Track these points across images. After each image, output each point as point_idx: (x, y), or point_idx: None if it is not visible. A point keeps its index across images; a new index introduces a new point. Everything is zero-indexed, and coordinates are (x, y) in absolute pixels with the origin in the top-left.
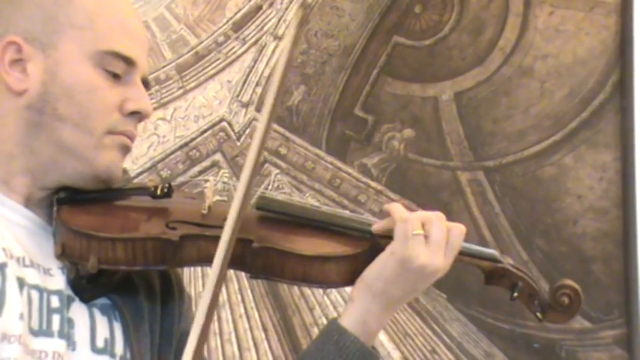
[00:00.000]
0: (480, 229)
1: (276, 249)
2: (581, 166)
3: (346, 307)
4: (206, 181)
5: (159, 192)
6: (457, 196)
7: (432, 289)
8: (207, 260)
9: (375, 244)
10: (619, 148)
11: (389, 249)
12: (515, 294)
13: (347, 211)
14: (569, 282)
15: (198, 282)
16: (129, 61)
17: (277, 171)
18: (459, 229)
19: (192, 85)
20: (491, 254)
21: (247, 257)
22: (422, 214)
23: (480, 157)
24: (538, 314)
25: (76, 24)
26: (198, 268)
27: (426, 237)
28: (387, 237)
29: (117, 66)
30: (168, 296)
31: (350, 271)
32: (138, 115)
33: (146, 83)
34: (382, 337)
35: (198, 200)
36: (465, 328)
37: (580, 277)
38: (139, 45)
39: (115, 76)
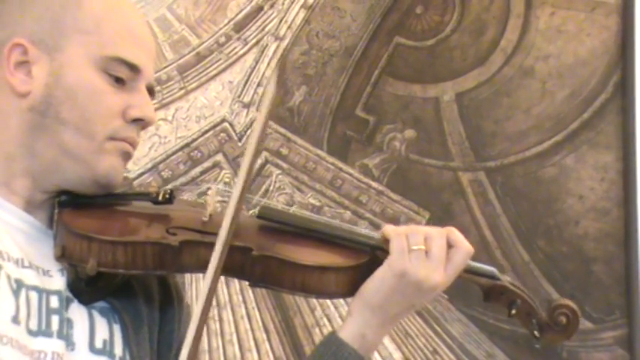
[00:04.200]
0: (482, 230)
1: (276, 257)
2: (583, 166)
3: (345, 320)
4: (208, 188)
5: (160, 198)
6: (458, 196)
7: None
8: (204, 267)
9: (374, 257)
10: (620, 148)
11: (386, 263)
12: (513, 312)
13: (347, 224)
14: (567, 302)
15: (199, 284)
16: (134, 68)
17: (278, 171)
18: (464, 248)
19: (194, 85)
20: (490, 271)
21: (247, 265)
22: (424, 228)
23: (481, 157)
24: (535, 333)
25: (82, 28)
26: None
27: (426, 252)
28: (387, 251)
29: (121, 71)
30: (166, 303)
31: (348, 283)
32: (141, 123)
33: (151, 91)
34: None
35: (200, 208)
36: (467, 329)
37: (581, 278)
38: (145, 52)
39: (120, 82)
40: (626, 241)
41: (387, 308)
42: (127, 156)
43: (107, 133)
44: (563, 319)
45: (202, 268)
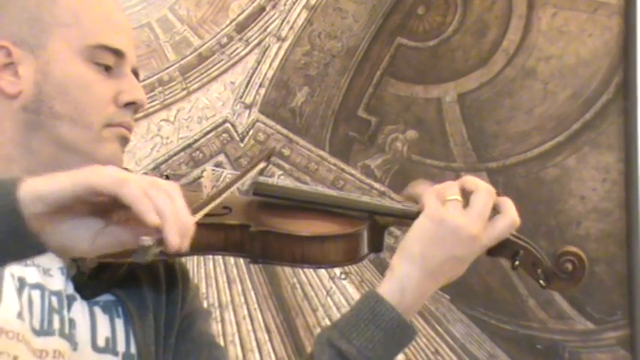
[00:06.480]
0: None
1: (274, 232)
2: (585, 167)
3: (385, 275)
4: (203, 170)
5: None
6: None
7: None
8: (205, 249)
9: (373, 222)
10: (622, 149)
11: (423, 214)
12: (517, 263)
13: (347, 192)
14: (572, 248)
15: (200, 284)
16: (118, 53)
17: (280, 172)
18: (510, 217)
19: (196, 86)
20: None
21: (246, 242)
22: (467, 181)
23: (483, 158)
24: (542, 282)
25: (61, 22)
26: (201, 270)
27: (466, 205)
28: (390, 215)
29: (107, 58)
30: (172, 285)
31: (348, 250)
32: (133, 106)
33: (136, 73)
34: None
35: (198, 191)
36: (468, 330)
37: (583, 279)
38: (125, 37)
39: (107, 69)
40: (627, 241)
41: (427, 257)
42: (124, 141)
43: (103, 121)
44: (569, 266)
45: (201, 250)
